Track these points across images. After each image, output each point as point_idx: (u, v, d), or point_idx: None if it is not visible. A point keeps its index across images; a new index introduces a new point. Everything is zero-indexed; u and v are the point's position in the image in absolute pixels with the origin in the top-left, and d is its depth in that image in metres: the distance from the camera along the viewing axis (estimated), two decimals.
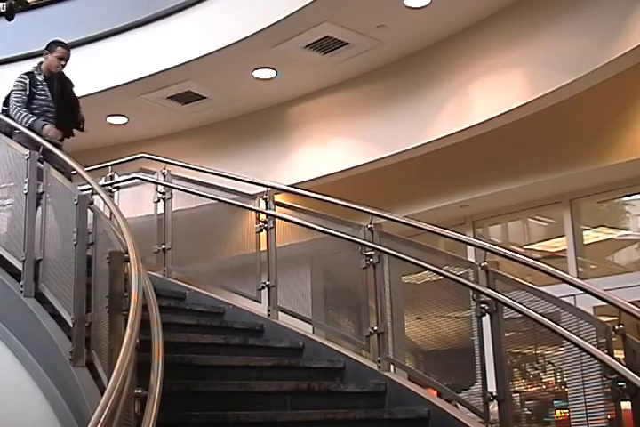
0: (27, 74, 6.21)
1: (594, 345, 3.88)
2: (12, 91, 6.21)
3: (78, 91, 9.13)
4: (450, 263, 4.72)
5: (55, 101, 6.19)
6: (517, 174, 8.47)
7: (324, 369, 5.00)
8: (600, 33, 6.97)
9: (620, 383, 3.73)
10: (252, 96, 9.44)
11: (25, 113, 6.04)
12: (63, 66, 6.25)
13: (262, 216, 5.82)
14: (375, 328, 4.94)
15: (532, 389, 4.68)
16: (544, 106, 7.54)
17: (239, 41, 8.17)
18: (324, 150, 9.22)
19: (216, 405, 4.18)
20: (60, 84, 6.27)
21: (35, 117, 6.02)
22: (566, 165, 8.15)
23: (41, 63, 6.26)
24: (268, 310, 5.63)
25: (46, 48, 6.25)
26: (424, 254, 4.84)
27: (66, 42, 6.35)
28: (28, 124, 5.94)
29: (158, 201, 6.66)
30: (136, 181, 7.07)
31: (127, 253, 3.64)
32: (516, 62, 7.68)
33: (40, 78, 6.16)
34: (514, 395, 4.37)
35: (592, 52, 7.00)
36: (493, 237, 9.87)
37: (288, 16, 7.70)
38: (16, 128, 5.93)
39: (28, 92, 6.11)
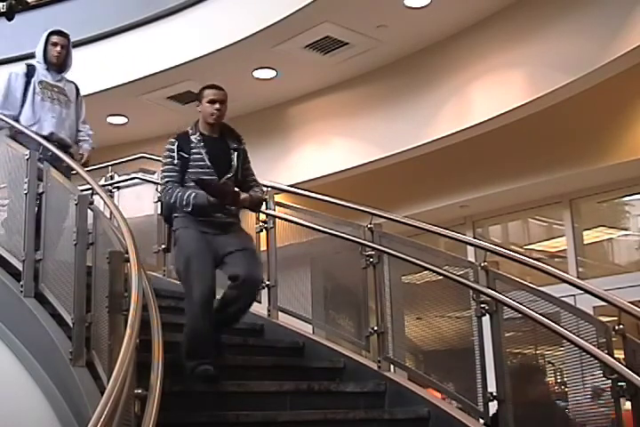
0: (177, 137, 4.60)
1: (594, 345, 3.88)
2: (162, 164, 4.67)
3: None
4: (450, 263, 4.72)
5: (214, 167, 4.53)
6: (517, 174, 8.47)
7: (324, 369, 5.00)
8: (600, 33, 6.97)
9: (620, 383, 3.73)
10: (252, 96, 9.44)
11: (178, 191, 4.45)
12: (219, 111, 4.57)
13: (262, 216, 5.81)
14: (375, 328, 4.94)
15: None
16: (544, 106, 7.54)
17: (239, 41, 8.17)
18: (324, 150, 9.22)
19: (216, 405, 4.18)
20: (222, 144, 4.63)
21: (190, 191, 4.44)
22: (566, 165, 8.15)
23: (197, 122, 4.68)
24: (268, 310, 5.63)
25: (197, 97, 4.76)
26: (424, 254, 4.84)
27: (216, 85, 4.87)
28: (189, 206, 4.44)
29: (158, 201, 6.65)
30: (136, 181, 7.08)
31: (127, 253, 3.64)
32: (515, 62, 7.68)
33: (195, 139, 4.55)
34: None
35: (592, 52, 7.00)
36: (493, 237, 9.87)
37: (288, 16, 7.70)
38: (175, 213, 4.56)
39: (177, 161, 4.51)
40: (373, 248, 5.02)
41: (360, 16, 7.81)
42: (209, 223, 4.52)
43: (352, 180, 8.98)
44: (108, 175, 7.29)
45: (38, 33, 9.46)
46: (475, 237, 8.52)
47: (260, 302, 5.77)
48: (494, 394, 4.22)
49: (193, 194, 4.43)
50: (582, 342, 3.90)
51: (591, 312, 4.46)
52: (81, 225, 4.28)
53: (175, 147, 4.53)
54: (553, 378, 4.55)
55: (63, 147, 5.61)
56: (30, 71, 5.77)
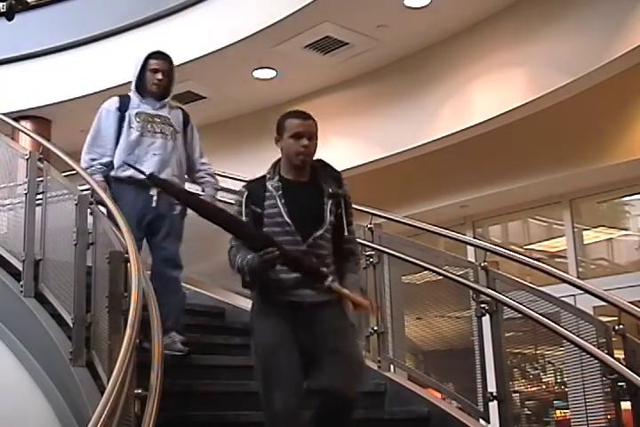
0: (248, 184, 3.52)
1: (594, 345, 3.88)
2: None
3: (79, 91, 9.24)
4: (450, 263, 4.72)
5: (296, 223, 3.32)
6: (517, 174, 8.47)
7: None
8: (600, 33, 6.97)
9: (619, 383, 3.73)
10: (252, 96, 9.44)
11: (238, 257, 3.30)
12: (307, 149, 3.52)
13: None
14: (375, 328, 4.93)
15: (532, 389, 4.68)
16: (544, 106, 7.54)
17: (239, 41, 8.17)
18: (324, 150, 9.13)
19: (216, 405, 4.18)
20: (312, 190, 3.45)
21: (247, 256, 3.27)
22: (566, 165, 8.15)
23: (278, 162, 3.52)
24: None
25: (277, 128, 3.54)
26: (424, 254, 4.84)
27: (301, 111, 3.76)
28: (247, 276, 3.34)
29: None
30: None
31: (127, 253, 3.64)
32: (515, 62, 7.68)
33: (272, 185, 3.40)
34: (514, 395, 4.37)
35: (592, 52, 7.00)
36: (493, 237, 9.87)
37: (288, 16, 7.69)
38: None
39: (246, 218, 3.37)
40: (373, 248, 5.02)
41: (360, 16, 7.81)
42: (291, 305, 3.27)
43: (352, 180, 8.92)
44: None
45: (38, 33, 9.51)
46: (475, 237, 8.52)
47: None
48: (494, 394, 4.23)
49: (247, 259, 3.25)
50: (582, 342, 3.90)
51: (591, 312, 4.46)
52: (81, 225, 4.28)
53: (244, 199, 3.39)
54: (553, 378, 4.56)
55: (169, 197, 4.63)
56: (124, 103, 4.87)
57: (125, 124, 4.78)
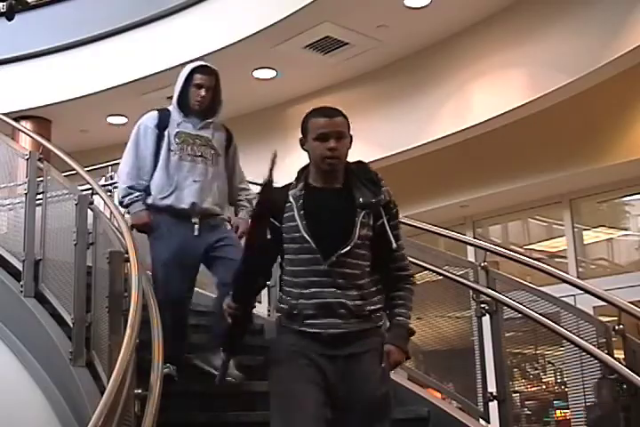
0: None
1: (594, 345, 3.88)
2: None
3: (79, 91, 9.25)
4: (450, 263, 4.72)
5: (317, 240, 2.80)
6: (517, 174, 8.48)
7: None
8: (600, 33, 6.98)
9: (620, 383, 3.73)
10: (252, 96, 9.44)
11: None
12: (335, 151, 2.98)
13: None
14: None
15: (532, 389, 4.68)
16: (544, 106, 7.55)
17: (239, 41, 8.17)
18: None
19: (216, 405, 4.18)
20: (343, 199, 2.90)
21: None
22: (566, 165, 8.15)
23: (306, 168, 3.04)
24: (269, 311, 5.62)
25: (301, 129, 3.05)
26: (424, 254, 4.84)
27: (327, 108, 3.07)
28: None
29: None
30: None
31: (127, 253, 3.64)
32: (516, 62, 7.69)
33: (293, 195, 2.94)
34: (514, 395, 4.37)
35: (592, 52, 7.01)
36: (493, 237, 9.87)
37: (288, 16, 7.70)
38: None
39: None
40: None
41: (360, 16, 7.81)
42: (316, 337, 2.76)
43: None
44: (107, 175, 7.29)
45: (38, 33, 9.52)
46: (475, 237, 8.52)
47: (259, 302, 5.78)
48: (494, 394, 4.22)
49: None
50: (582, 342, 3.90)
51: (591, 312, 4.46)
52: (81, 225, 4.28)
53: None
54: (553, 378, 4.56)
55: (209, 217, 4.29)
56: (163, 120, 4.33)
57: (164, 145, 4.26)
